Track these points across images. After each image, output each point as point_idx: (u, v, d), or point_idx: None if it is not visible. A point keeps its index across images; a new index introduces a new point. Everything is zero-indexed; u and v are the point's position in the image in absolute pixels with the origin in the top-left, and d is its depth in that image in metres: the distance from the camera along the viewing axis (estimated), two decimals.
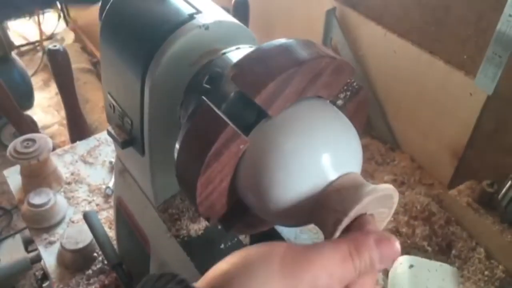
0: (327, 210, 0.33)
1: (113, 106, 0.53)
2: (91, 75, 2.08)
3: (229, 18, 0.44)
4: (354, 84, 0.41)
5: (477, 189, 0.80)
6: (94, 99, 1.92)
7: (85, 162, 0.87)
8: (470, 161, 0.84)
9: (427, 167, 0.92)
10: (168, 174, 0.53)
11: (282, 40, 0.37)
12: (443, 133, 0.87)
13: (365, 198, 0.31)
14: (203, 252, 0.52)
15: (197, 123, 0.35)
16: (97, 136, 0.93)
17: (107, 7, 0.48)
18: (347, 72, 0.38)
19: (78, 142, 0.91)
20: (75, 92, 1.08)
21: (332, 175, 0.34)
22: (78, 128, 1.14)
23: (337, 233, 0.32)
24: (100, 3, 0.51)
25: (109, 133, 0.55)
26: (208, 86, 0.39)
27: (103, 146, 0.91)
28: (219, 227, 0.54)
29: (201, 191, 0.36)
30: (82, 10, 2.18)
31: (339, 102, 0.42)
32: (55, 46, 0.99)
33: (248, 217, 0.42)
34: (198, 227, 0.54)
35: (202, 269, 0.49)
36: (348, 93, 0.42)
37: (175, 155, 0.38)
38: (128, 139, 0.52)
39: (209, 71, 0.40)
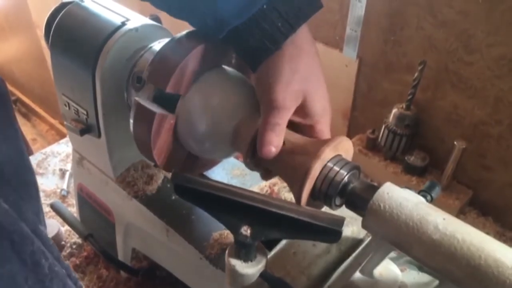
0: (239, 139, 0.50)
1: (68, 103, 0.66)
2: None
3: (151, 21, 0.60)
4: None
5: (364, 138, 1.02)
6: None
7: (37, 173, 0.97)
8: (356, 118, 1.06)
9: None
10: (122, 149, 0.67)
11: (170, 41, 0.51)
12: (333, 100, 1.07)
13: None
14: (159, 205, 0.66)
15: (136, 117, 0.50)
16: (42, 151, 1.03)
17: (54, 25, 0.61)
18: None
19: None
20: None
21: (235, 117, 0.51)
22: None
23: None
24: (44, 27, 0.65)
25: (68, 127, 0.67)
26: (138, 84, 0.55)
27: (50, 158, 1.01)
28: (168, 185, 0.70)
29: (157, 157, 0.51)
30: None
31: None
32: None
33: (188, 162, 0.59)
34: (151, 188, 0.68)
35: (162, 218, 0.64)
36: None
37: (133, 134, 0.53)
38: (85, 127, 0.65)
39: (137, 73, 0.56)
